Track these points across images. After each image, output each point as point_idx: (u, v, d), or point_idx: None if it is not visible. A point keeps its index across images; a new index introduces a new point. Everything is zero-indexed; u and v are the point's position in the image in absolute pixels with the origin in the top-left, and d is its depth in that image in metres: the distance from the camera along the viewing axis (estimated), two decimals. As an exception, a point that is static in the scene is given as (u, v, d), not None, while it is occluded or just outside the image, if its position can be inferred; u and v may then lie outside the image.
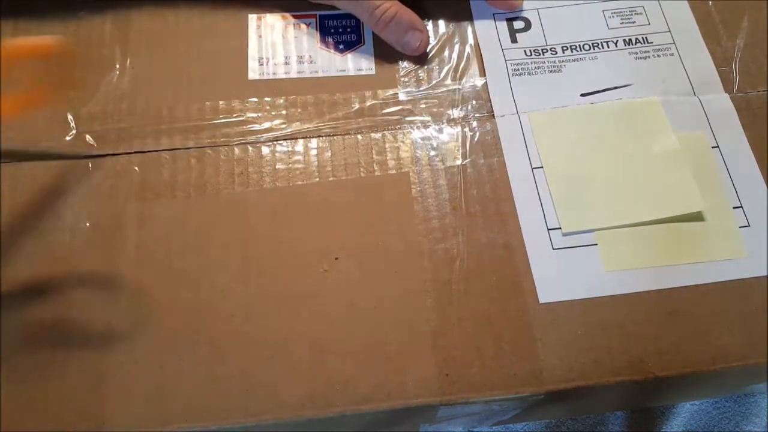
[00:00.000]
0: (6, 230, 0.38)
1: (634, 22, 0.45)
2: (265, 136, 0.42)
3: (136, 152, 0.41)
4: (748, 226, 0.38)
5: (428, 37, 0.44)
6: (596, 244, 0.38)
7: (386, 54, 0.45)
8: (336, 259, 0.38)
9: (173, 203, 0.39)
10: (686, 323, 0.36)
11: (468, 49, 0.45)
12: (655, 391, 0.42)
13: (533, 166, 0.40)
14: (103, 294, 0.37)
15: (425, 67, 0.44)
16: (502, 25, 0.46)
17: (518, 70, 0.44)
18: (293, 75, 0.44)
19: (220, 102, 0.43)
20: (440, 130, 0.42)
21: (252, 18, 0.46)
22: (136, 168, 0.40)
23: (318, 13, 0.46)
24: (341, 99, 0.43)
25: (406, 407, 0.34)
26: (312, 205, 0.39)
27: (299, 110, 0.43)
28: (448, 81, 0.44)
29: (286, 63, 0.44)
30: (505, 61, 0.44)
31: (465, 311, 0.36)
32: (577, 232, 0.38)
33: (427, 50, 0.45)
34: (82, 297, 0.37)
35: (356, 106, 0.43)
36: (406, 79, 0.44)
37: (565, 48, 0.45)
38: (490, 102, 0.43)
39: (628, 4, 0.46)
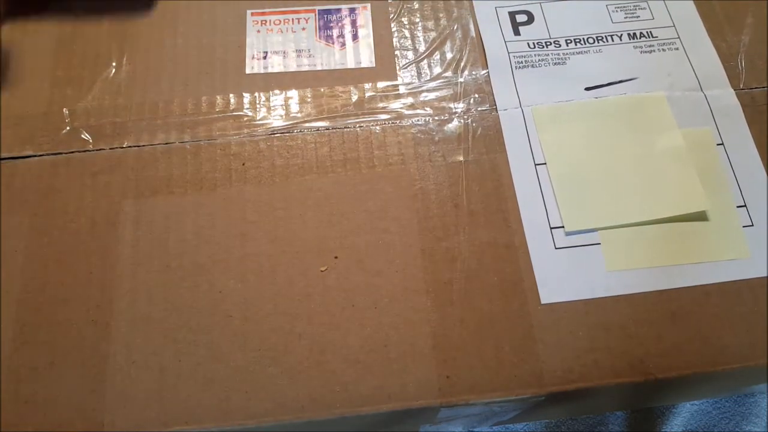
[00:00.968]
0: (3, 227, 0.38)
1: (638, 16, 0.45)
2: (262, 130, 0.41)
3: (130, 146, 0.40)
4: (752, 225, 0.38)
5: None
6: (599, 244, 0.37)
7: (386, 46, 0.44)
8: (335, 258, 0.37)
9: (169, 200, 0.39)
10: (688, 324, 0.36)
11: (469, 41, 0.44)
12: (655, 392, 0.42)
13: (536, 162, 0.40)
14: (100, 294, 0.36)
15: (426, 60, 0.44)
16: (505, 18, 0.45)
17: (521, 62, 0.43)
18: (292, 69, 0.43)
19: (217, 96, 0.42)
20: (442, 124, 0.41)
21: (250, 12, 0.45)
22: (132, 163, 0.40)
23: (317, 7, 0.45)
24: (340, 92, 0.42)
25: (407, 409, 0.34)
26: (311, 202, 0.39)
27: (298, 104, 0.42)
28: (449, 73, 0.43)
29: (285, 57, 0.44)
30: (508, 53, 0.43)
31: (466, 312, 0.36)
32: (580, 231, 0.38)
33: (429, 42, 0.44)
34: (79, 297, 0.36)
35: (355, 98, 0.42)
36: (407, 72, 0.43)
37: (569, 41, 0.44)
38: (493, 95, 0.42)
39: (631, 0, 0.45)
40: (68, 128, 0.41)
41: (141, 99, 0.42)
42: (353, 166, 0.40)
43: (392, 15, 0.45)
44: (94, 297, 0.36)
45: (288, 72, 0.43)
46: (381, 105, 0.42)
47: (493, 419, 0.44)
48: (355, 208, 0.39)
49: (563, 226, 0.38)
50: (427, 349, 0.35)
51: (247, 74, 0.43)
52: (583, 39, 0.44)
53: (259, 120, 0.41)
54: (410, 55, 0.44)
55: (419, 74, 0.43)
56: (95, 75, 0.43)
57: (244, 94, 0.42)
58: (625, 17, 0.45)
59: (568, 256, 0.37)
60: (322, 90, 0.43)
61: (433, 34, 0.45)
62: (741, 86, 0.42)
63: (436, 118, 0.42)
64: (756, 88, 0.42)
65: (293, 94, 0.42)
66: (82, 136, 0.41)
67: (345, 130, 0.41)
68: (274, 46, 0.44)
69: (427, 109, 0.42)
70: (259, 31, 0.44)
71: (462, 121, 0.41)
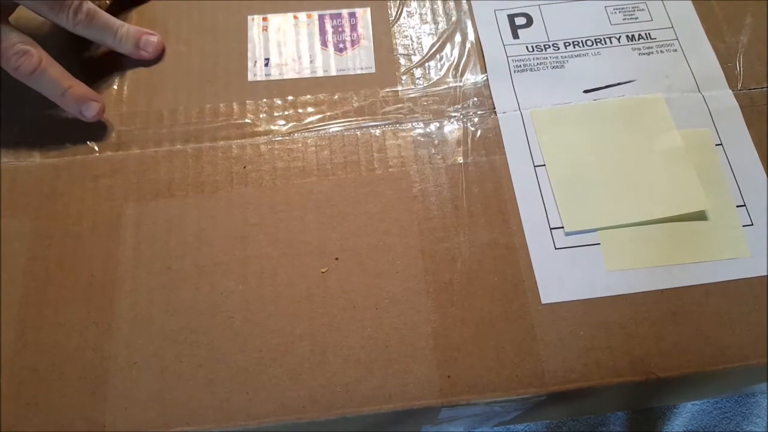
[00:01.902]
0: (5, 230, 0.38)
1: (637, 18, 0.45)
2: (263, 137, 0.41)
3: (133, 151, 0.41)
4: (752, 224, 0.38)
5: (103, 105, 0.42)
6: (599, 244, 0.37)
7: (386, 52, 0.44)
8: (336, 259, 0.37)
9: (171, 203, 0.39)
10: (688, 323, 0.36)
11: (468, 45, 0.45)
12: (656, 392, 0.42)
13: (535, 164, 0.40)
14: (101, 296, 0.36)
15: (425, 64, 0.44)
16: (503, 21, 0.45)
17: (520, 66, 0.43)
18: (293, 75, 0.44)
19: (221, 105, 0.42)
20: (441, 128, 0.42)
21: (251, 19, 0.46)
22: (133, 167, 0.40)
23: (317, 13, 0.46)
24: (341, 98, 0.43)
25: (408, 409, 0.34)
26: (312, 204, 0.39)
27: (299, 110, 0.42)
28: (449, 78, 0.43)
29: (286, 64, 0.44)
30: (507, 57, 0.44)
31: (466, 312, 0.36)
32: (580, 231, 0.38)
33: (428, 46, 0.45)
34: (81, 299, 0.36)
35: (356, 104, 0.42)
36: (407, 77, 0.44)
37: (567, 44, 0.44)
38: (492, 98, 0.42)
39: (630, 1, 0.45)
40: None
41: (145, 108, 0.42)
42: (353, 169, 0.40)
43: (392, 19, 0.46)
44: (96, 299, 0.36)
45: (289, 78, 0.43)
46: (381, 109, 0.42)
47: (494, 419, 0.44)
48: (355, 210, 0.39)
49: (563, 227, 0.38)
50: (428, 350, 0.35)
51: (250, 81, 0.43)
52: (582, 41, 0.44)
53: (261, 126, 0.42)
54: (410, 59, 0.44)
55: (419, 78, 0.43)
56: (99, 83, 0.43)
57: (247, 102, 0.42)
58: (624, 19, 0.45)
59: (568, 256, 0.37)
60: (322, 96, 0.43)
61: (432, 38, 0.45)
62: (739, 87, 0.42)
63: (436, 121, 0.42)
64: (754, 88, 0.42)
65: (294, 99, 0.43)
66: (88, 144, 0.41)
67: (345, 133, 0.41)
68: (275, 52, 0.44)
69: (427, 112, 0.42)
70: (260, 38, 0.45)
71: (461, 124, 0.42)
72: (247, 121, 0.42)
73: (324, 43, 0.45)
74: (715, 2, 0.45)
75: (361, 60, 0.44)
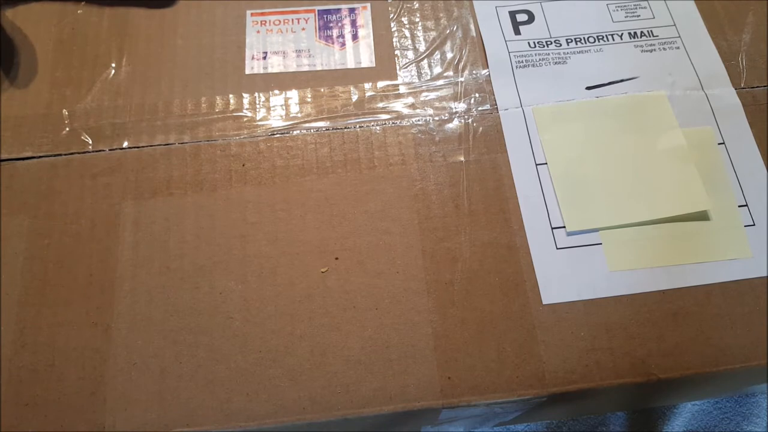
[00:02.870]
0: (3, 229, 0.38)
1: (639, 15, 0.44)
2: (261, 131, 0.41)
3: (130, 148, 0.40)
4: (753, 225, 0.38)
5: None
6: (600, 244, 0.37)
7: (386, 46, 0.44)
8: (336, 259, 0.37)
9: (169, 201, 0.39)
10: (689, 324, 0.36)
11: (470, 40, 0.44)
12: (657, 392, 0.42)
13: (537, 162, 0.40)
14: (100, 296, 0.36)
15: (426, 59, 0.44)
16: (505, 17, 0.45)
17: (522, 61, 0.43)
18: (291, 69, 0.43)
19: (217, 97, 0.42)
20: (442, 124, 0.41)
21: (249, 13, 0.45)
22: (132, 165, 0.40)
23: (317, 7, 0.45)
24: (340, 92, 0.42)
25: (408, 410, 0.34)
26: (311, 203, 0.39)
27: (297, 104, 0.42)
28: (450, 73, 0.43)
29: (284, 57, 0.43)
30: (509, 52, 0.43)
31: (467, 312, 0.36)
32: (581, 231, 0.38)
33: (429, 42, 0.44)
34: (79, 299, 0.36)
35: (355, 99, 0.42)
36: (407, 72, 0.43)
37: (569, 40, 0.44)
38: (494, 95, 0.42)
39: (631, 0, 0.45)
40: (68, 129, 0.41)
41: (140, 100, 0.42)
42: (353, 167, 0.40)
43: (392, 15, 0.45)
44: (95, 299, 0.36)
45: (288, 72, 0.43)
46: (381, 105, 0.42)
47: (494, 420, 0.44)
48: (355, 208, 0.39)
49: (564, 227, 0.38)
50: (429, 350, 0.35)
51: (247, 75, 0.43)
52: (584, 38, 0.44)
53: (259, 120, 0.41)
54: (410, 54, 0.44)
55: (419, 74, 0.43)
56: (95, 76, 0.43)
57: (244, 95, 0.42)
58: (626, 16, 0.44)
59: (570, 256, 0.37)
60: (321, 90, 0.42)
61: (433, 34, 0.44)
62: (742, 85, 0.42)
63: (437, 118, 0.41)
64: (757, 86, 0.42)
65: (293, 94, 0.42)
66: (82, 137, 0.40)
67: (345, 130, 0.41)
68: (273, 46, 0.44)
69: (428, 109, 0.42)
70: (258, 32, 0.44)
71: (462, 121, 0.41)
72: (243, 114, 0.41)
73: (323, 38, 0.44)
74: (717, 0, 0.45)
75: (361, 55, 0.44)
